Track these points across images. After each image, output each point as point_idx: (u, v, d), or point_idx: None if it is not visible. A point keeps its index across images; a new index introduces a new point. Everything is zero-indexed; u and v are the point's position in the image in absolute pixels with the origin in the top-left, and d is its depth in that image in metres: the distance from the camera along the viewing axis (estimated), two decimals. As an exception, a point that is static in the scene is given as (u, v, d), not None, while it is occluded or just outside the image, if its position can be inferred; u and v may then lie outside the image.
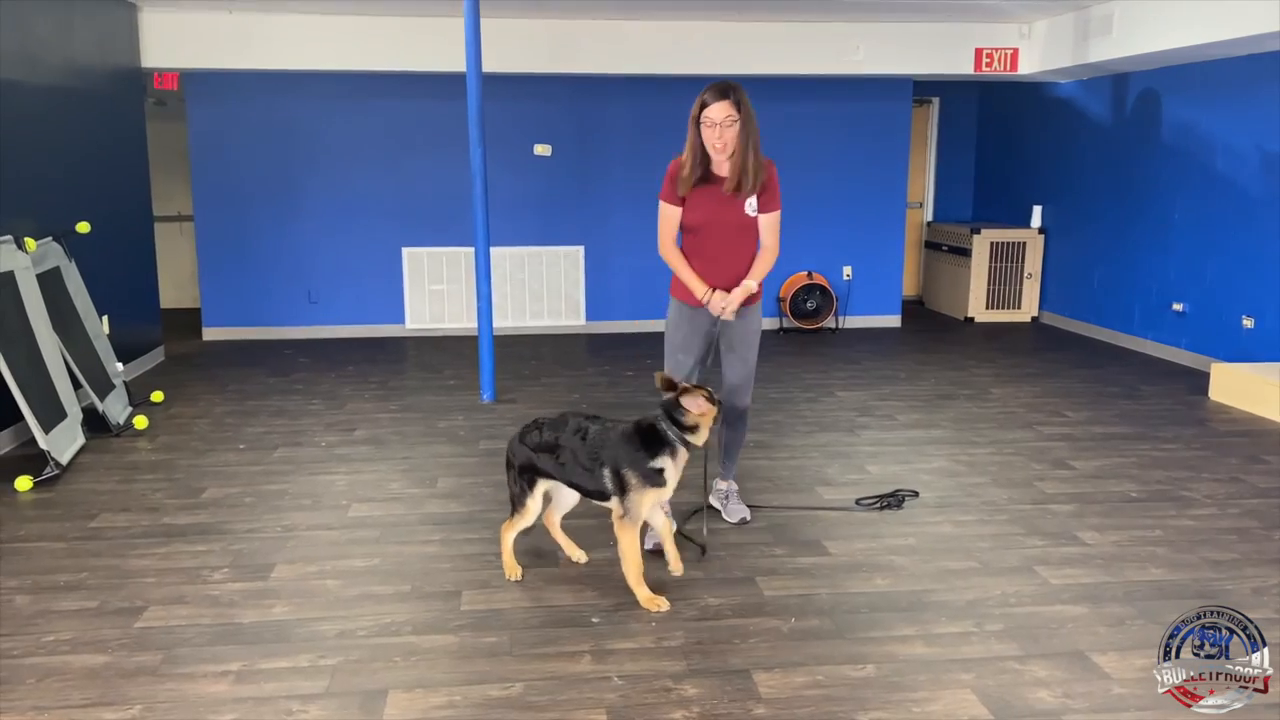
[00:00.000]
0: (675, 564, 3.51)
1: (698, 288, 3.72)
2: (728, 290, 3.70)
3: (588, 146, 8.20)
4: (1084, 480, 4.58)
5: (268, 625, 3.14)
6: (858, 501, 4.26)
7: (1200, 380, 6.45)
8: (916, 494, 4.35)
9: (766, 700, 2.71)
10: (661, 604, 3.25)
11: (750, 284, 3.72)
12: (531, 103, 8.01)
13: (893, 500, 4.24)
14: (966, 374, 6.87)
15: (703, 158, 3.63)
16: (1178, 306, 7.26)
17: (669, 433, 3.25)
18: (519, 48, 7.38)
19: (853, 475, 4.64)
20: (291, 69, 7.51)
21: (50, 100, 5.76)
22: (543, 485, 3.44)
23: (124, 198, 6.89)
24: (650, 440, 3.25)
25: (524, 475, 3.42)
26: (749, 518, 4.03)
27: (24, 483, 4.40)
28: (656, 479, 3.25)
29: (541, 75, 7.71)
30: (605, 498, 3.33)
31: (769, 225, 3.75)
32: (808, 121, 8.53)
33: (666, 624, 3.16)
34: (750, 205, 3.69)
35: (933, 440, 5.23)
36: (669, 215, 3.75)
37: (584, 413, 3.47)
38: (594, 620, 3.19)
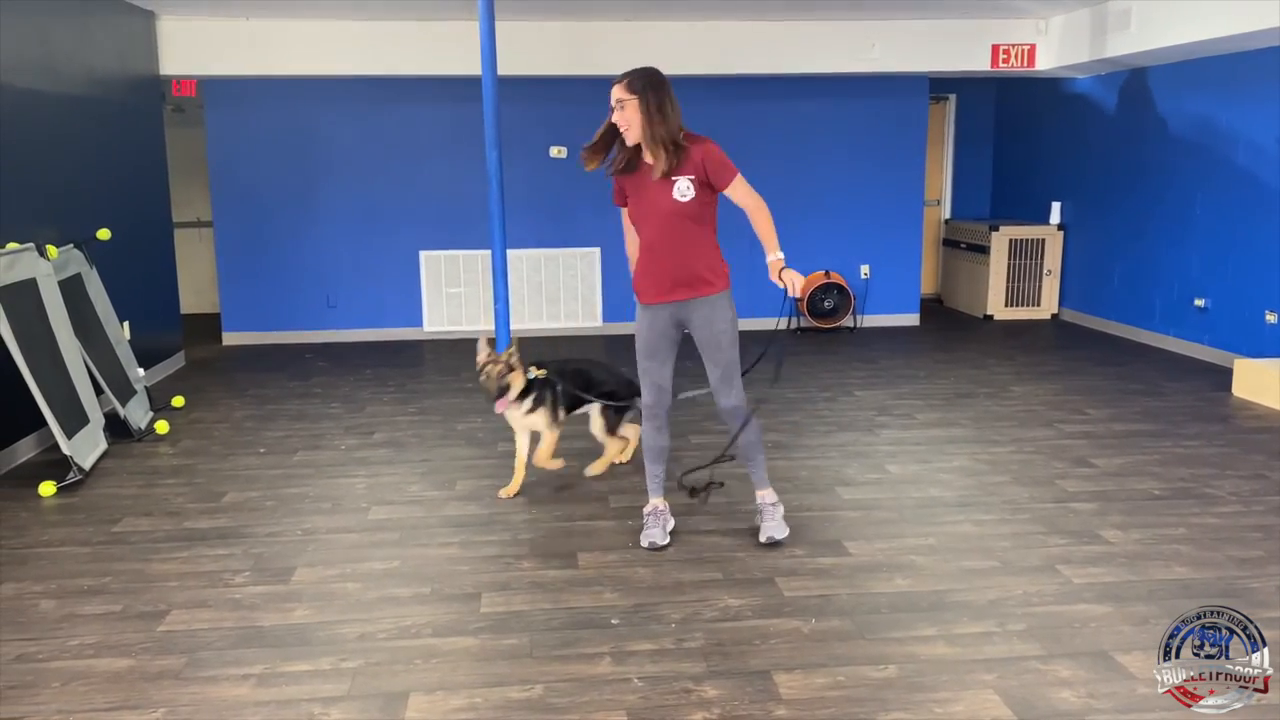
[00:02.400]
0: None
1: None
2: (679, 285, 3.60)
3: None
4: (1106, 478, 4.54)
5: (289, 628, 3.16)
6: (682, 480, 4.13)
7: (1223, 376, 6.39)
8: (722, 484, 4.20)
9: (787, 701, 2.70)
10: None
11: (772, 257, 3.57)
12: (547, 105, 8.02)
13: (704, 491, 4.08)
14: (986, 372, 6.83)
15: (610, 143, 3.62)
16: (1199, 302, 7.19)
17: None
18: (534, 50, 7.39)
19: (872, 475, 4.62)
20: (308, 74, 7.56)
21: (71, 109, 5.81)
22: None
23: (144, 204, 6.94)
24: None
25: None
26: (778, 538, 3.77)
27: (48, 488, 4.44)
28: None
29: (557, 77, 7.72)
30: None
31: (741, 191, 3.58)
32: (824, 120, 8.51)
33: (687, 625, 3.15)
34: (680, 189, 3.52)
35: (953, 439, 5.20)
36: (624, 218, 3.81)
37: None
38: (614, 622, 3.18)
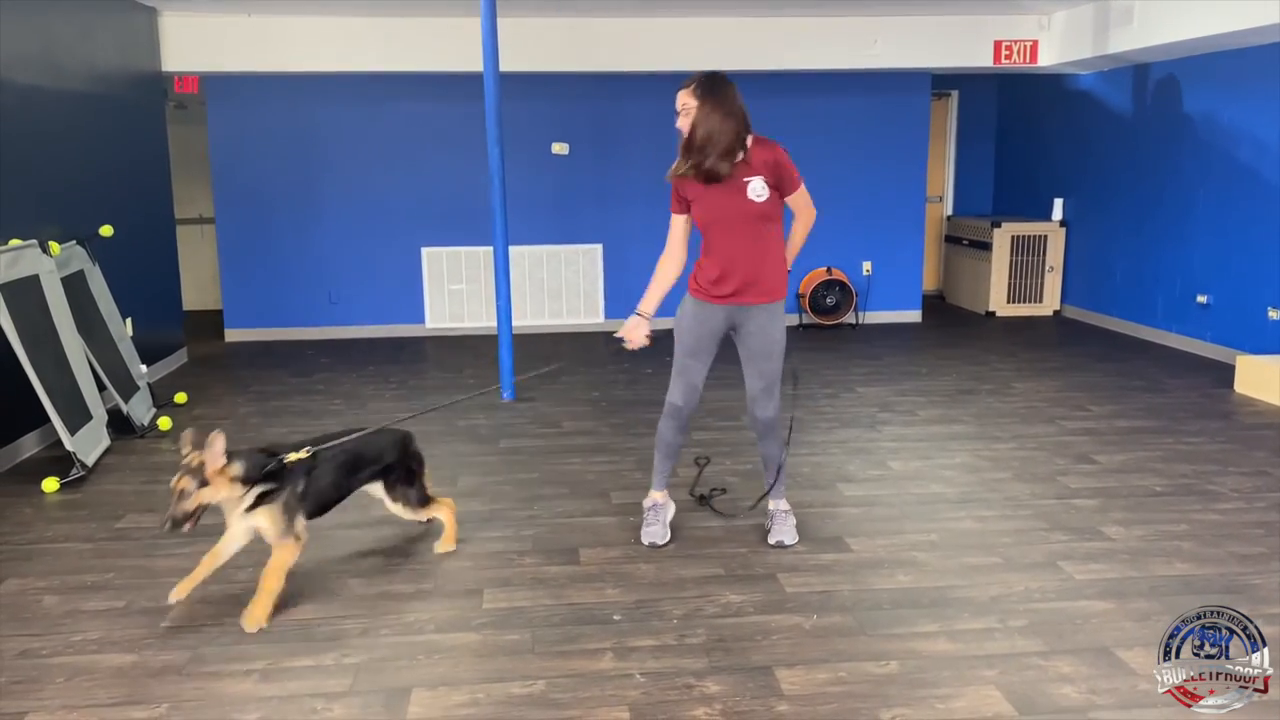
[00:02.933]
0: None
1: (649, 302, 3.63)
2: (747, 288, 3.55)
3: (606, 145, 8.20)
4: (1108, 475, 4.54)
5: (292, 624, 3.16)
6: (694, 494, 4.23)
7: (1225, 373, 6.39)
8: (724, 490, 4.30)
9: (789, 697, 2.71)
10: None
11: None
12: (549, 101, 8.01)
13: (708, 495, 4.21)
14: (988, 369, 6.83)
15: (687, 149, 3.52)
16: (1202, 299, 7.18)
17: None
18: (536, 46, 7.39)
19: (874, 471, 4.63)
20: (310, 71, 7.56)
21: (73, 105, 5.81)
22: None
23: (146, 201, 6.94)
24: None
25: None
26: (788, 543, 3.75)
27: (51, 484, 4.45)
28: None
29: (559, 74, 7.71)
30: None
31: (804, 199, 3.64)
32: (826, 116, 8.50)
33: (689, 621, 3.15)
34: (755, 189, 3.48)
35: (954, 436, 5.20)
36: (673, 226, 3.66)
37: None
38: (615, 618, 3.19)
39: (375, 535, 3.91)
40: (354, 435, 3.47)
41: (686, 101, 3.48)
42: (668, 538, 3.79)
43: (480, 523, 4.04)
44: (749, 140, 3.50)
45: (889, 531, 3.90)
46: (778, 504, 3.86)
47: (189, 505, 3.00)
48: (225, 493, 3.06)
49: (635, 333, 3.62)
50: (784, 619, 3.17)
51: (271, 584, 3.14)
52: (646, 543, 3.76)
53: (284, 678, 2.84)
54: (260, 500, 3.13)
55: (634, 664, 2.90)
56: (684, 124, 3.49)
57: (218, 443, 3.00)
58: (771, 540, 3.77)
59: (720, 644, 3.01)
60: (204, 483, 3.00)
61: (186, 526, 3.02)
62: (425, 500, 3.65)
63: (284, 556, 3.18)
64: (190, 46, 7.30)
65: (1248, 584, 3.38)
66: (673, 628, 3.12)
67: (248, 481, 3.08)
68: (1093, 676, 2.80)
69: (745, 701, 2.69)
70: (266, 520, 3.16)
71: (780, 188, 3.56)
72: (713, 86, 3.47)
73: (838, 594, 3.35)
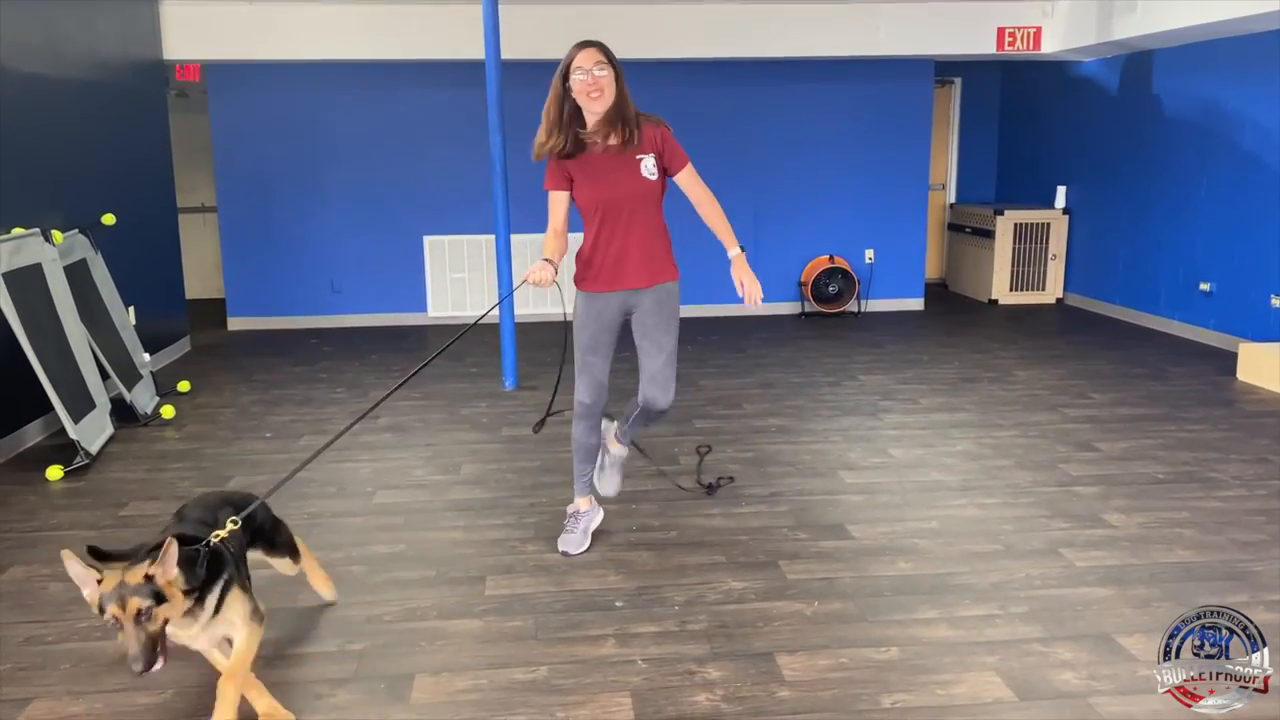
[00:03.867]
0: None
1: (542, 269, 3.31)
2: (629, 270, 3.37)
3: (607, 132, 8.17)
4: (1110, 462, 4.55)
5: (295, 611, 3.18)
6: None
7: (1228, 361, 6.39)
8: (732, 479, 4.31)
9: (790, 683, 2.72)
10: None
11: (736, 251, 3.39)
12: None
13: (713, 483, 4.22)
14: (990, 357, 6.83)
15: (570, 120, 3.32)
16: (1205, 286, 7.17)
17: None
18: (538, 34, 7.35)
19: (875, 459, 4.63)
20: (312, 59, 7.55)
21: (74, 94, 5.81)
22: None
23: (148, 189, 6.94)
24: None
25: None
26: (612, 494, 3.73)
27: (55, 472, 4.47)
28: None
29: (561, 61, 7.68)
30: None
31: (692, 180, 3.38)
32: (829, 103, 8.48)
33: (690, 608, 3.17)
34: (648, 167, 3.30)
35: (956, 424, 5.21)
36: (553, 204, 3.44)
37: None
38: (618, 604, 3.20)
39: (378, 523, 3.93)
40: (227, 498, 2.78)
41: (601, 61, 3.24)
42: (586, 546, 3.62)
43: (483, 510, 4.05)
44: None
45: (890, 519, 3.91)
46: (620, 449, 3.72)
47: (154, 627, 2.26)
48: (180, 607, 2.34)
49: (539, 273, 3.34)
50: (785, 605, 3.18)
51: (243, 683, 2.50)
52: (560, 549, 3.59)
53: (287, 664, 2.86)
54: (220, 601, 2.46)
55: (636, 650, 2.91)
56: (601, 81, 3.23)
57: (172, 550, 2.27)
58: (605, 490, 3.72)
59: (722, 630, 3.02)
60: (158, 596, 2.26)
61: (160, 660, 2.27)
62: (295, 551, 3.08)
63: (257, 638, 2.56)
64: (191, 34, 7.28)
65: (1249, 570, 3.39)
66: (674, 614, 3.13)
67: (193, 587, 2.37)
68: (1093, 662, 2.81)
69: (747, 687, 2.70)
70: (238, 607, 2.50)
71: (668, 166, 3.35)
72: (613, 54, 3.29)
73: (839, 581, 3.36)
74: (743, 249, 3.45)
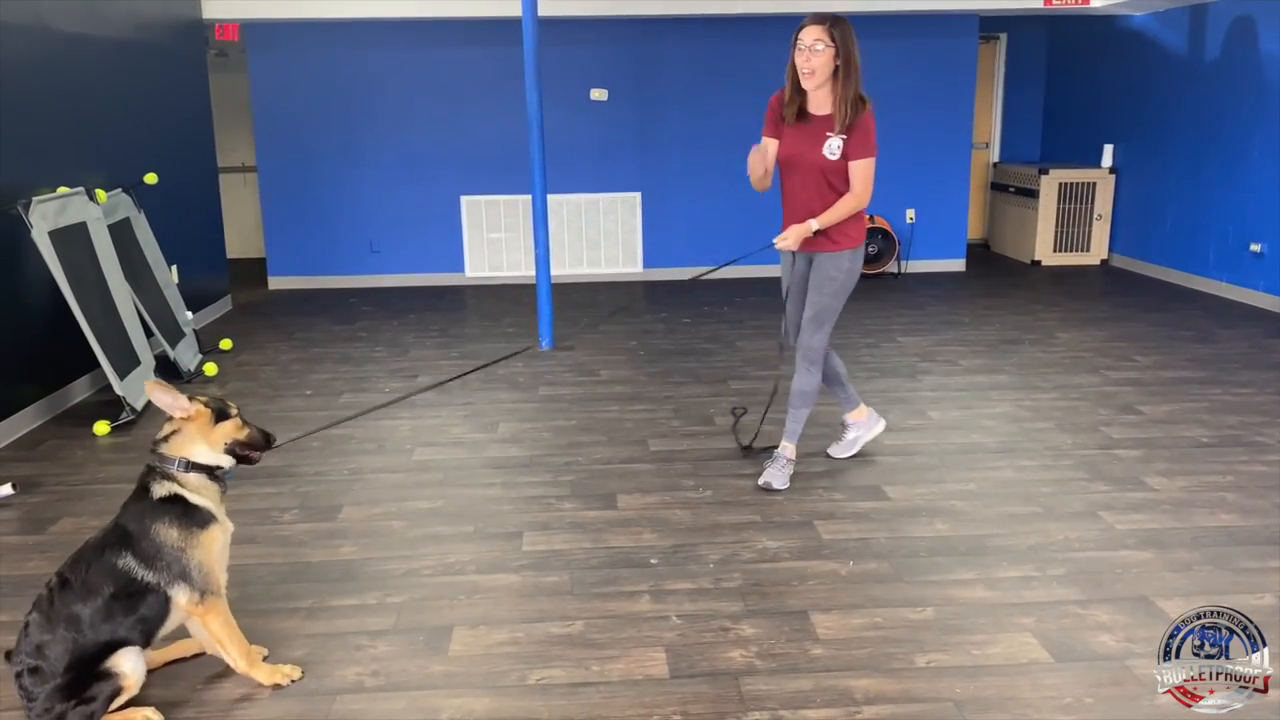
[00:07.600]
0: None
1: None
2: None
3: (645, 91, 8.11)
4: (1152, 425, 4.48)
5: (336, 564, 3.23)
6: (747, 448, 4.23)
7: (1277, 323, 6.25)
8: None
9: (824, 641, 2.73)
10: (292, 673, 2.59)
11: (809, 224, 3.60)
12: (588, 47, 7.92)
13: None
14: (1032, 318, 6.74)
15: (797, 90, 3.55)
16: (1255, 247, 7.00)
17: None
18: (575, -9, 7.30)
19: (913, 420, 4.60)
20: (349, 18, 7.53)
21: (116, 54, 5.85)
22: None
23: (189, 149, 7.00)
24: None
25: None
26: (775, 486, 3.79)
27: (102, 427, 4.56)
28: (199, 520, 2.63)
29: (598, 18, 7.62)
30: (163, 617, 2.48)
31: (856, 172, 3.57)
32: (870, 59, 8.11)
33: (725, 566, 3.18)
34: (830, 147, 3.55)
35: (996, 386, 5.15)
36: (763, 147, 3.67)
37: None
38: (652, 561, 3.22)
39: (417, 479, 3.97)
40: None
41: (821, 37, 3.44)
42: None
43: (519, 468, 4.08)
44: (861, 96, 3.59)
45: (928, 480, 3.89)
46: (785, 447, 3.90)
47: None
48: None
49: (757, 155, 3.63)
50: (820, 565, 3.18)
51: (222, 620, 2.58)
52: (761, 482, 3.81)
53: (329, 615, 2.91)
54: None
55: (671, 606, 2.93)
56: (814, 62, 3.45)
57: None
58: (760, 480, 3.84)
59: (756, 588, 3.03)
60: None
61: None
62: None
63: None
64: (230, -6, 7.30)
65: (1293, 535, 3.34)
66: (709, 572, 3.14)
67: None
68: (1130, 625, 2.79)
69: (781, 645, 2.72)
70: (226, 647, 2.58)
71: (847, 148, 3.56)
72: (846, 31, 3.52)
73: (874, 541, 3.35)
74: (818, 232, 3.66)
